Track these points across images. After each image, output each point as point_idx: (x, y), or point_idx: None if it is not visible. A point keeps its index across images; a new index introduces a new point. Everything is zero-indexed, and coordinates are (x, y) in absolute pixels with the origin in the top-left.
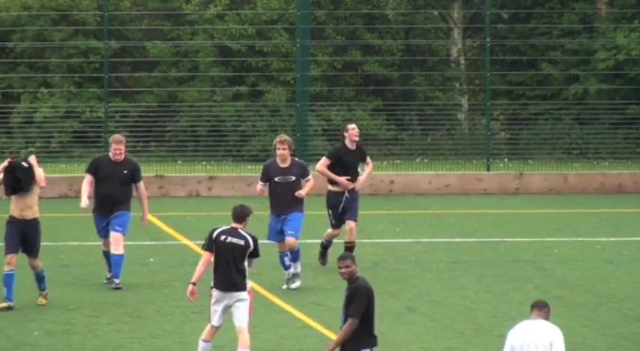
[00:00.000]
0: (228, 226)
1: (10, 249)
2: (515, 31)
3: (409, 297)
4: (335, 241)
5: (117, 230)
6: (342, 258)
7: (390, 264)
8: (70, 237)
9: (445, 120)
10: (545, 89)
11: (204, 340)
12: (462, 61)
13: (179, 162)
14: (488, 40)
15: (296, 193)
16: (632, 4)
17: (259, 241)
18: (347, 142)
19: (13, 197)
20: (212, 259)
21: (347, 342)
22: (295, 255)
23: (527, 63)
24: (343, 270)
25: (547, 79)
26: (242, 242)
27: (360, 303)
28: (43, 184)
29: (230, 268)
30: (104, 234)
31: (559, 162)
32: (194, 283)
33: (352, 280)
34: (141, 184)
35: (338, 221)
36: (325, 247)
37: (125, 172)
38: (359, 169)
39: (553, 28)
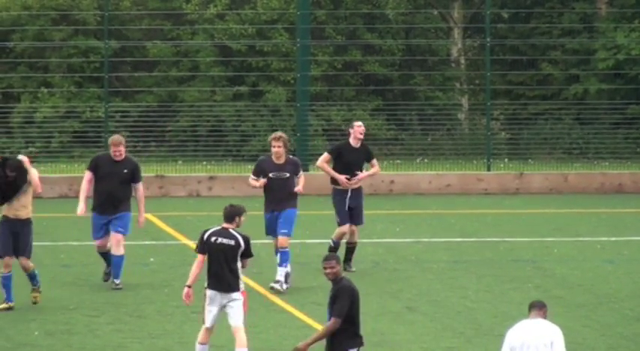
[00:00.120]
0: (219, 227)
1: (6, 251)
2: (515, 31)
3: (409, 297)
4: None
5: (119, 231)
6: (326, 259)
7: (390, 264)
8: (70, 237)
9: (445, 120)
10: (546, 89)
11: (201, 343)
12: (462, 61)
13: (179, 162)
14: (488, 39)
15: (295, 189)
16: (632, 4)
17: (252, 241)
18: (351, 139)
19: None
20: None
21: (332, 343)
22: (284, 257)
23: (528, 63)
24: (328, 270)
25: (547, 79)
26: (232, 242)
27: (343, 303)
28: (39, 190)
29: (222, 268)
30: (101, 233)
31: (559, 162)
32: (189, 286)
33: (336, 280)
34: (140, 185)
35: (344, 218)
36: (334, 248)
37: (125, 171)
38: (364, 170)
39: (553, 27)
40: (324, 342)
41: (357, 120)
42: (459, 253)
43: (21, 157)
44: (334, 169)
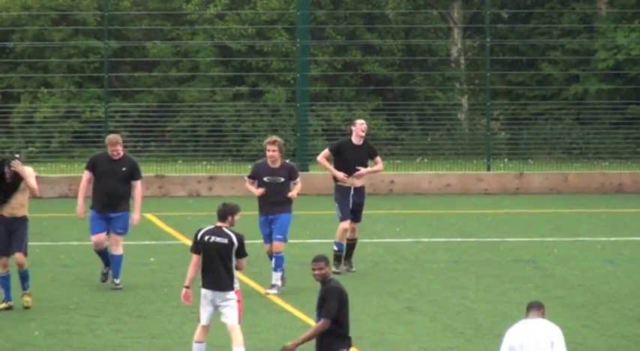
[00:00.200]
0: (213, 226)
1: (3, 251)
2: (515, 31)
3: (409, 297)
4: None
5: (119, 233)
6: (315, 260)
7: (390, 264)
8: (71, 237)
9: (445, 120)
10: (545, 89)
11: (198, 341)
12: (462, 61)
13: (179, 162)
14: (488, 40)
15: (289, 195)
16: (632, 4)
17: (252, 241)
18: (353, 137)
19: None
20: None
21: (321, 344)
22: (279, 261)
23: (527, 63)
24: (316, 272)
25: (547, 79)
26: (226, 241)
27: (332, 304)
28: (37, 194)
29: (217, 267)
30: (98, 229)
31: (559, 162)
32: (187, 287)
33: (325, 281)
34: (138, 183)
35: (345, 213)
36: (339, 254)
37: (124, 169)
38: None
39: (553, 27)
40: (313, 343)
41: (359, 118)
42: (459, 253)
43: (15, 163)
44: (335, 166)
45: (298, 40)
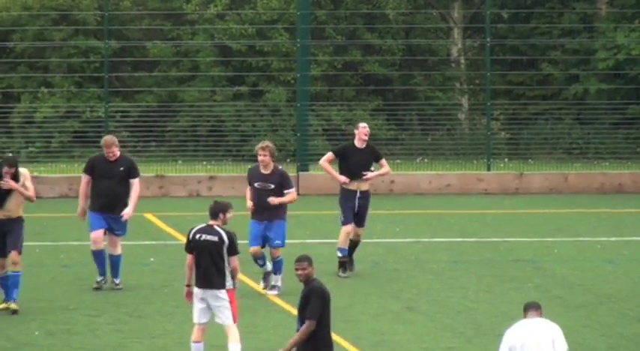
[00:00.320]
0: (205, 224)
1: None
2: (515, 31)
3: (409, 297)
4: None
5: (117, 234)
6: (298, 260)
7: (390, 264)
8: (71, 237)
9: (445, 120)
10: (546, 89)
11: (195, 341)
12: (462, 61)
13: (179, 162)
14: (488, 39)
15: (269, 199)
16: (632, 4)
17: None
18: (356, 140)
19: None
20: None
21: (304, 346)
22: (278, 265)
23: (528, 63)
24: (300, 272)
25: (547, 79)
26: (216, 238)
27: (316, 304)
28: (33, 200)
29: (208, 265)
30: (97, 226)
31: (559, 162)
32: (188, 285)
33: (308, 282)
34: (136, 181)
35: (348, 218)
36: (343, 262)
37: (121, 169)
38: (372, 170)
39: (553, 27)
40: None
41: (362, 121)
42: (459, 253)
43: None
44: (339, 170)
45: (298, 40)
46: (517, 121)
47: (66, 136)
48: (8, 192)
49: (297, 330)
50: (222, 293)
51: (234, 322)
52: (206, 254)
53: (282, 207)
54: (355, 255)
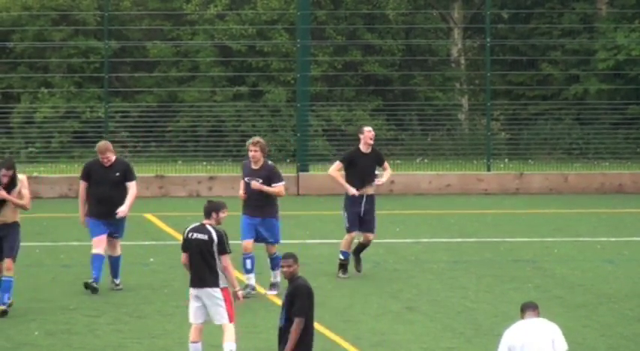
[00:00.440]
0: (199, 223)
1: None
2: (515, 31)
3: (409, 297)
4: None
5: (116, 237)
6: (284, 257)
7: (390, 264)
8: (71, 237)
9: (445, 120)
10: (546, 89)
11: (193, 341)
12: (462, 61)
13: (179, 162)
14: (488, 40)
15: (252, 182)
16: (633, 4)
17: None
18: (361, 145)
19: None
20: None
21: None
22: (275, 261)
23: (528, 63)
24: (285, 269)
25: (547, 79)
26: (206, 237)
27: (303, 302)
28: (28, 209)
29: (199, 264)
30: (99, 231)
31: (559, 162)
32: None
33: (292, 279)
34: (132, 184)
35: (353, 224)
36: (344, 265)
37: (117, 174)
38: (376, 173)
39: (553, 28)
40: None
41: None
42: (459, 254)
43: (21, 176)
44: (346, 177)
45: (298, 40)
46: (517, 122)
47: (66, 136)
48: (10, 190)
49: (281, 326)
50: (216, 292)
51: (231, 321)
52: (197, 253)
53: (273, 204)
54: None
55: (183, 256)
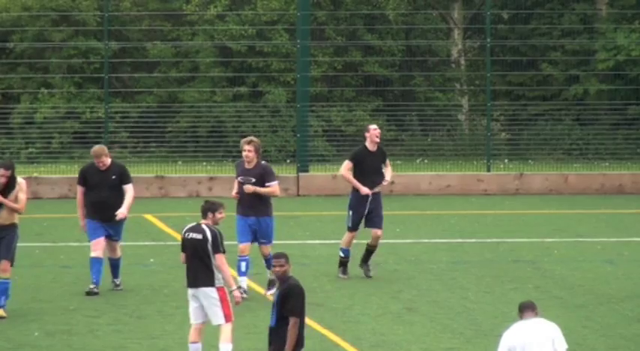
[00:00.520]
0: (195, 223)
1: None
2: (515, 32)
3: (409, 297)
4: (355, 241)
5: (115, 240)
6: (276, 256)
7: (390, 264)
8: (71, 238)
9: (445, 121)
10: (546, 90)
11: (193, 342)
12: (463, 62)
13: (179, 162)
14: (488, 40)
15: (244, 186)
16: (633, 5)
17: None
18: (368, 143)
19: None
20: None
21: (279, 344)
22: (270, 261)
23: (528, 63)
24: (277, 268)
25: (547, 80)
26: (200, 236)
27: (297, 301)
28: (21, 211)
29: (195, 263)
30: (97, 234)
31: (559, 162)
32: None
33: (284, 279)
34: (129, 187)
35: (356, 224)
36: (344, 262)
37: (113, 177)
38: (383, 171)
39: (553, 28)
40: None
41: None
42: (459, 254)
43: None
44: (354, 175)
45: (298, 40)
46: (517, 122)
47: (66, 136)
48: (8, 192)
49: (272, 325)
50: (212, 291)
51: (228, 321)
52: (192, 252)
53: (267, 204)
54: (357, 256)
55: (182, 256)
